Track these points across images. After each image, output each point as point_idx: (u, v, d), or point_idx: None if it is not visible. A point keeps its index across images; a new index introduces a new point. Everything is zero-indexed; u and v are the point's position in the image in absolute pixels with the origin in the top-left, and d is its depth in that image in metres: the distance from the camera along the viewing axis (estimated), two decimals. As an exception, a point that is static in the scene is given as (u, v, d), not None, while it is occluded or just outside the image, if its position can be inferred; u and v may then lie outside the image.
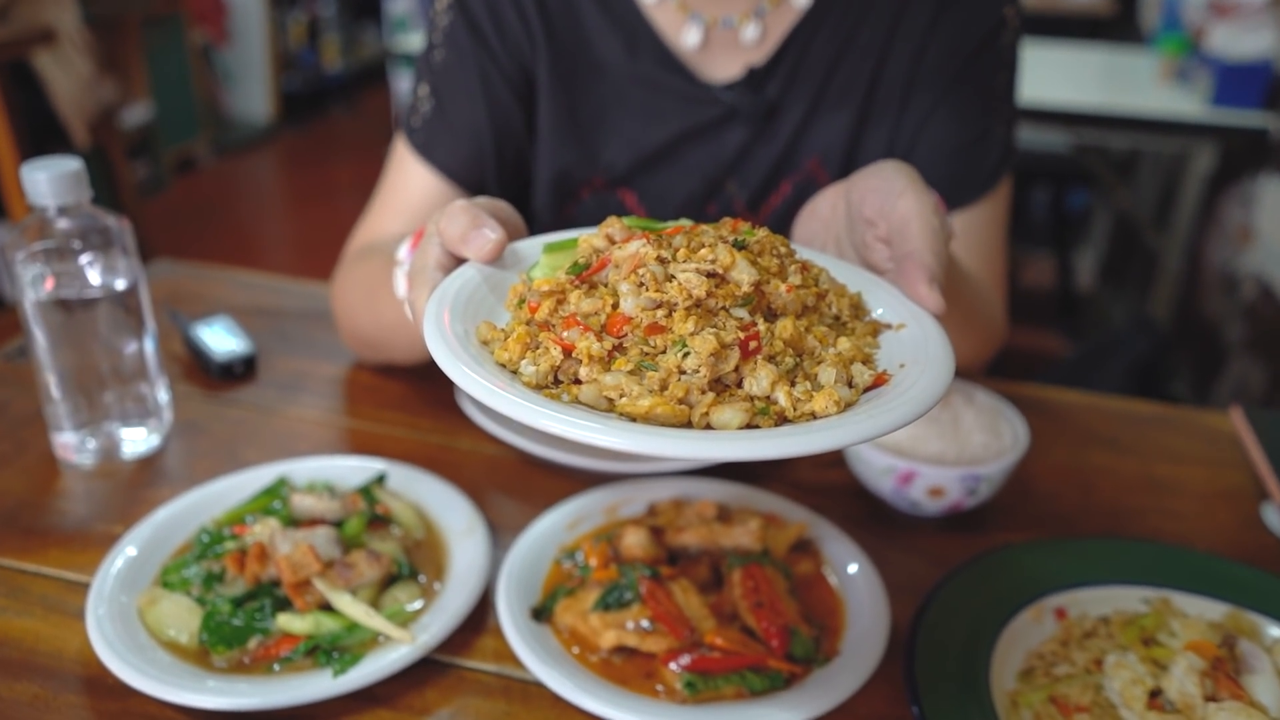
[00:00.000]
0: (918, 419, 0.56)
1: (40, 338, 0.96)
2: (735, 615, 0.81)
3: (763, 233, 0.66)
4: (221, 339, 1.20)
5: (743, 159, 1.13)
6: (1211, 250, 3.05)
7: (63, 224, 0.94)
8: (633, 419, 0.56)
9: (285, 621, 0.79)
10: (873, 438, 0.53)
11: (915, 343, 0.64)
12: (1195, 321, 3.11)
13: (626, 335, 0.59)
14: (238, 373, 1.18)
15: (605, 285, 0.63)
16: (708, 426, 0.56)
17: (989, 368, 1.24)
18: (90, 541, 0.91)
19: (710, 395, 0.56)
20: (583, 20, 1.10)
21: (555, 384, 0.59)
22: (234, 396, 1.15)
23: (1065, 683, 0.75)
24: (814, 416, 0.56)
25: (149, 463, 1.03)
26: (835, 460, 1.05)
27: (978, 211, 1.12)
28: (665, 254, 0.61)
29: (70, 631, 0.81)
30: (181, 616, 0.79)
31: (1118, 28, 4.27)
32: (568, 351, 0.59)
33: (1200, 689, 0.71)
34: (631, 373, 0.57)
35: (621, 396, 0.56)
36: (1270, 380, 2.58)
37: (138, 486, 0.99)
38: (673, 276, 0.60)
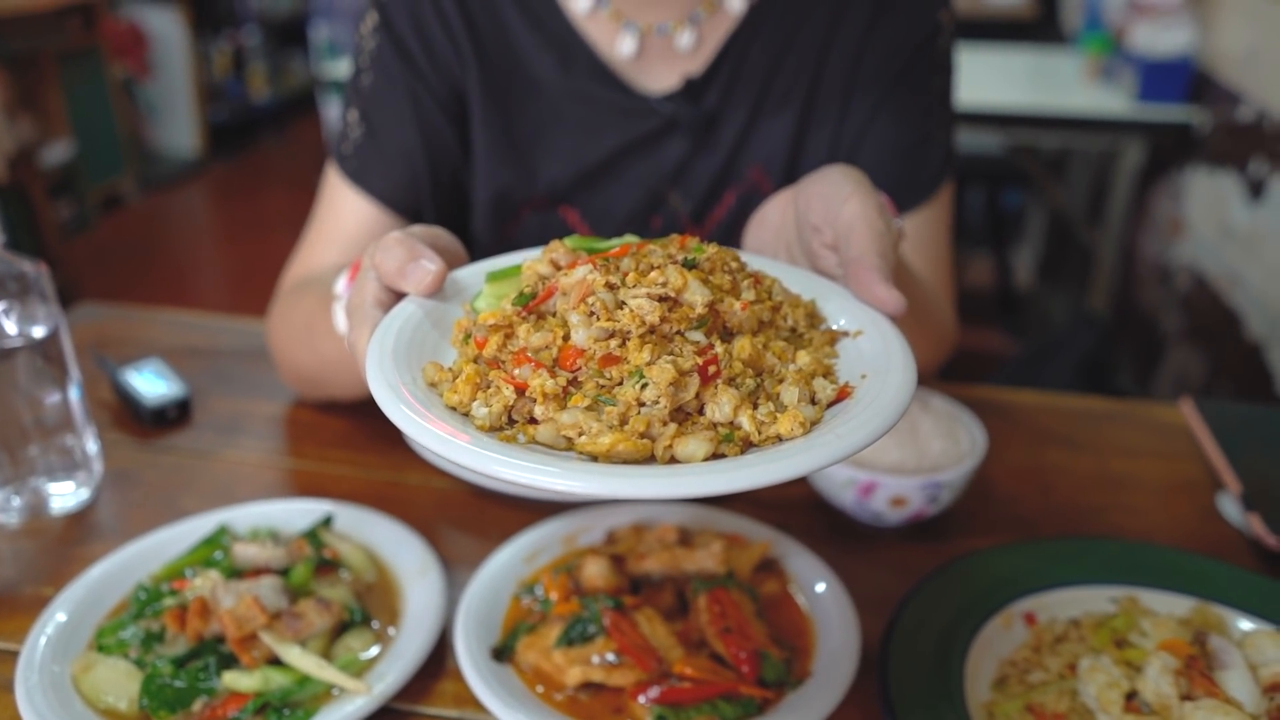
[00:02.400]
0: (887, 432, 0.54)
1: (-45, 392, 0.91)
2: (703, 642, 0.79)
3: (712, 249, 0.64)
4: (152, 383, 1.15)
5: (684, 171, 1.11)
6: (1145, 243, 3.11)
7: (-26, 272, 0.89)
8: (593, 457, 0.53)
9: (232, 680, 0.75)
10: (843, 458, 0.51)
11: (874, 351, 0.62)
12: (1133, 314, 3.17)
13: (580, 368, 0.56)
14: (171, 417, 1.13)
15: (554, 315, 0.60)
16: (672, 459, 0.53)
17: (940, 371, 1.23)
18: (18, 606, 0.86)
19: (672, 426, 0.54)
20: (513, 39, 1.08)
21: (510, 424, 0.56)
22: (168, 443, 1.10)
23: (1040, 690, 0.74)
24: (779, 439, 0.54)
25: (79, 518, 0.98)
26: (794, 474, 1.04)
27: (922, 216, 1.12)
28: (614, 279, 0.59)
29: (-1, 705, 0.76)
30: (119, 682, 0.75)
31: (1040, 29, 4.36)
32: (520, 390, 0.56)
33: (1176, 689, 0.70)
34: (589, 408, 0.54)
35: (580, 435, 0.54)
36: (1209, 368, 2.64)
37: (68, 544, 0.94)
38: (624, 303, 0.58)
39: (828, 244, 0.72)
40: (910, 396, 0.56)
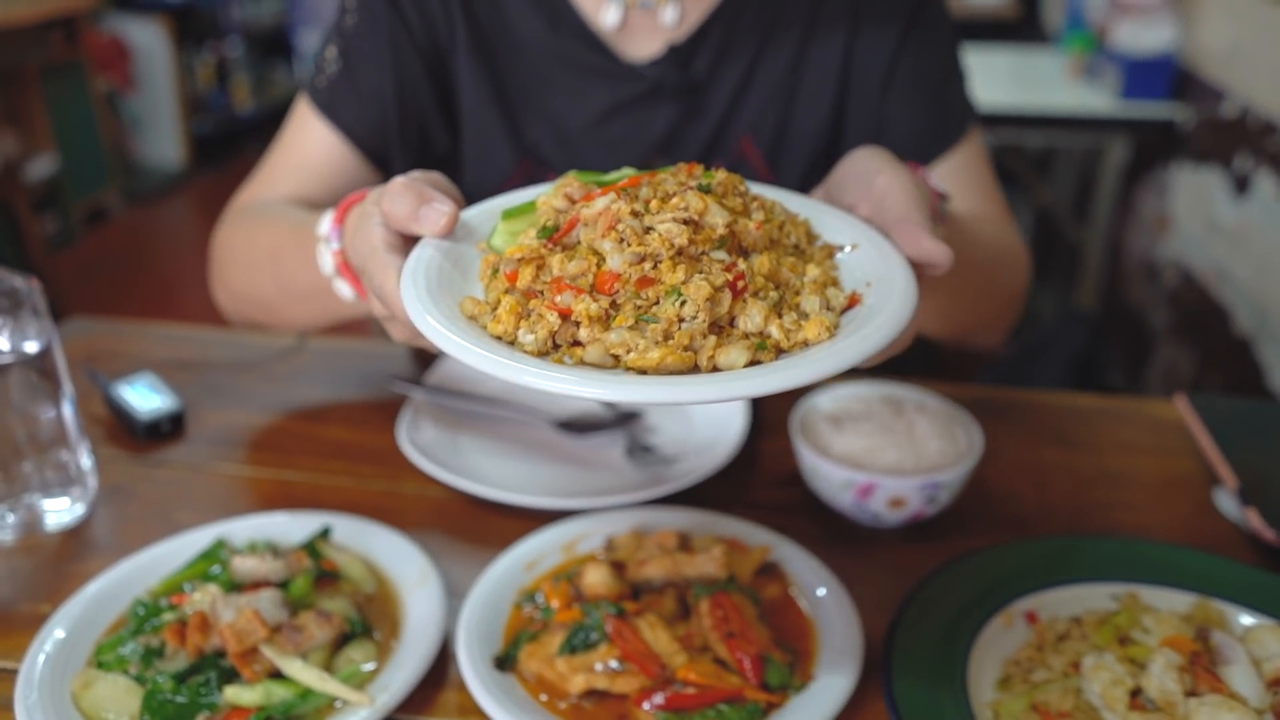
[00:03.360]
0: (906, 330, 0.60)
1: (-53, 410, 0.90)
2: (706, 647, 0.79)
3: (721, 174, 0.67)
4: (145, 397, 1.14)
5: (672, 139, 1.13)
6: (1132, 240, 3.13)
7: (-35, 288, 0.89)
8: (642, 372, 0.57)
9: (233, 694, 0.74)
10: (874, 353, 0.56)
11: (872, 261, 0.66)
12: (1121, 311, 3.18)
13: (618, 291, 0.60)
14: (165, 431, 1.12)
15: (579, 245, 0.63)
16: (714, 369, 0.58)
17: (932, 371, 1.24)
18: (15, 624, 0.85)
19: (712, 338, 0.58)
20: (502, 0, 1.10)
21: (555, 349, 0.60)
22: (162, 457, 1.09)
23: (1044, 689, 0.74)
24: (807, 344, 0.59)
25: (75, 534, 0.97)
26: (792, 477, 1.04)
27: (960, 154, 1.14)
28: (638, 207, 0.62)
29: (-4, 726, 0.75)
30: (120, 699, 0.74)
31: (1022, 29, 4.38)
32: (564, 315, 0.59)
33: (1180, 685, 0.70)
34: (632, 328, 0.58)
35: (629, 352, 0.57)
36: (1198, 363, 2.65)
37: (64, 560, 0.93)
38: (650, 228, 0.61)
39: (865, 217, 0.74)
40: (916, 295, 0.62)
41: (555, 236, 0.64)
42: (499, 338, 0.60)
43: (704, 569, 0.84)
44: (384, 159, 1.14)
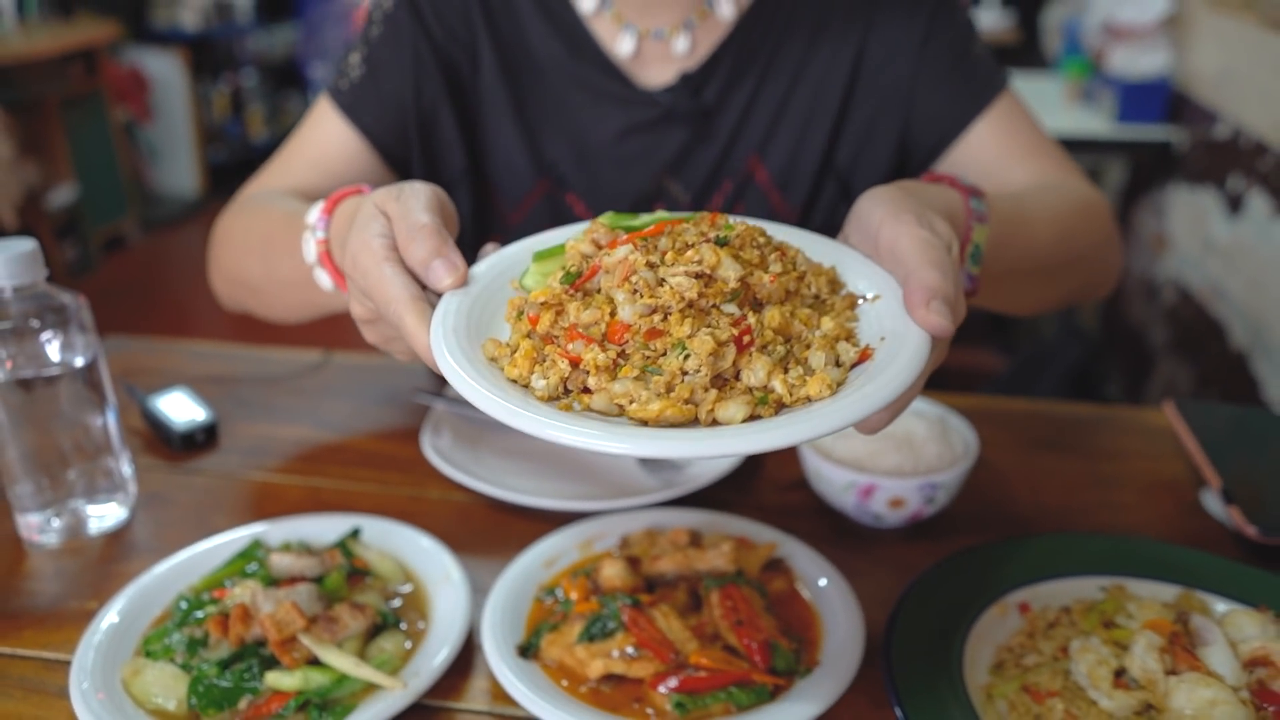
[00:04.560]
0: (909, 391, 0.60)
1: (2, 419, 0.96)
2: (717, 635, 0.83)
3: (741, 225, 0.70)
4: (180, 409, 1.20)
5: (684, 159, 1.18)
6: (1131, 259, 3.18)
7: (18, 304, 0.95)
8: (644, 422, 0.59)
9: (274, 679, 0.79)
10: (869, 414, 0.57)
11: (893, 314, 0.67)
12: (1122, 327, 3.23)
13: (627, 341, 0.62)
14: (199, 442, 1.18)
15: (599, 291, 0.66)
16: (714, 422, 0.60)
17: (931, 384, 1.29)
18: (65, 619, 0.90)
19: (713, 392, 0.60)
20: (524, 22, 1.16)
21: (565, 394, 0.63)
22: (198, 465, 1.15)
23: (1035, 672, 0.79)
24: (809, 400, 0.60)
25: (117, 537, 1.02)
26: (798, 482, 1.09)
27: (996, 112, 1.14)
28: (654, 258, 0.65)
29: (53, 711, 0.80)
30: (168, 684, 0.79)
31: (1022, 54, 4.46)
32: (575, 363, 0.62)
33: (1161, 664, 0.75)
34: (637, 378, 0.60)
35: (631, 402, 0.60)
36: (1196, 378, 2.69)
37: (108, 561, 0.99)
38: (664, 280, 0.63)
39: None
40: (926, 355, 0.62)
41: (577, 282, 0.67)
42: (514, 380, 0.63)
43: (714, 563, 0.89)
44: (402, 162, 1.18)
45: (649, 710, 0.78)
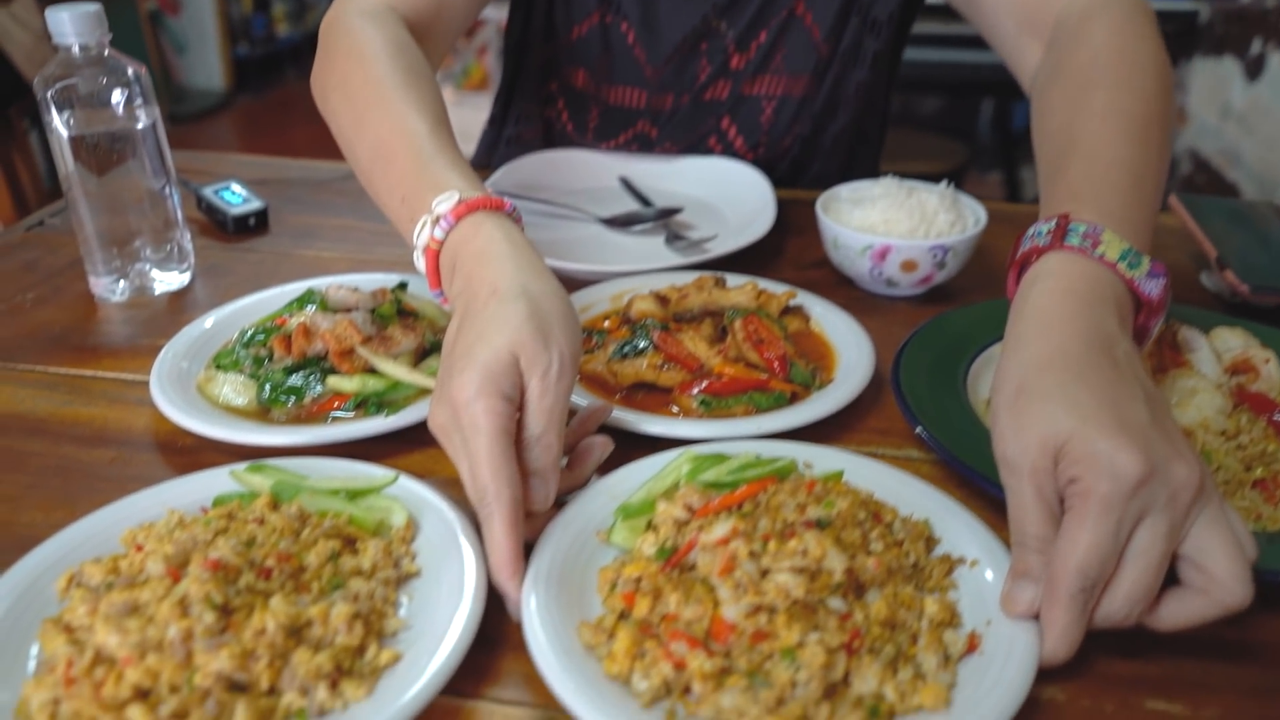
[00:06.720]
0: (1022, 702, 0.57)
1: (72, 173, 1.03)
2: (740, 358, 0.90)
3: (842, 502, 0.67)
4: (233, 198, 1.27)
5: (733, 3, 1.25)
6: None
7: (85, 64, 1.01)
8: None
9: (335, 382, 0.87)
10: None
11: (993, 588, 0.64)
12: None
13: (733, 643, 0.59)
14: (252, 226, 1.25)
15: (694, 569, 0.64)
16: None
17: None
18: (139, 352, 0.98)
19: (825, 706, 0.56)
20: None
21: (668, 693, 0.59)
22: (251, 245, 1.22)
23: (1032, 386, 0.85)
24: (921, 708, 0.57)
25: (179, 295, 1.10)
26: (819, 260, 1.15)
27: None
28: (755, 546, 0.63)
29: (135, 414, 0.89)
30: (238, 387, 0.87)
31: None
32: (678, 666, 0.58)
33: (1148, 363, 0.81)
34: (745, 689, 0.57)
35: (741, 717, 0.56)
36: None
37: (173, 313, 1.07)
38: (767, 571, 0.61)
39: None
40: (1037, 655, 0.59)
41: (673, 559, 0.64)
42: (614, 677, 0.59)
43: (737, 299, 0.96)
44: None
45: (674, 408, 0.85)
